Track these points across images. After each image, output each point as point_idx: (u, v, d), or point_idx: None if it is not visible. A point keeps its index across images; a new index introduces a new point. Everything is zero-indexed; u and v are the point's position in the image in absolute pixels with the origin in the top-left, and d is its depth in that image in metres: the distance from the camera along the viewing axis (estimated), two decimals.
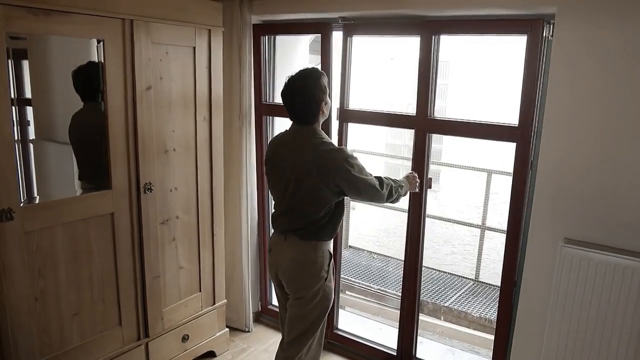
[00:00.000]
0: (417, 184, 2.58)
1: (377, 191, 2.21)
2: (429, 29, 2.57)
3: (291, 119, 2.24)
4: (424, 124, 2.69)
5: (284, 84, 2.19)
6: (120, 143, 2.44)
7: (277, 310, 2.55)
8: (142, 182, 2.55)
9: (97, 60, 2.37)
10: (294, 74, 2.19)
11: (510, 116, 2.56)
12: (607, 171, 2.21)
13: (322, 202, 2.17)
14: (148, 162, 2.57)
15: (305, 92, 2.14)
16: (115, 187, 2.46)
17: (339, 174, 2.12)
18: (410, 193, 2.59)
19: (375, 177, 2.23)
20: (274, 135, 2.39)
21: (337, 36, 2.94)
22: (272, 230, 2.39)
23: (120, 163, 2.46)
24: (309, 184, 2.13)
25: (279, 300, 2.47)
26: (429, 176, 2.74)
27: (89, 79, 2.40)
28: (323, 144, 2.17)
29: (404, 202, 2.91)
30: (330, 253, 2.30)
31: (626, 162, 2.16)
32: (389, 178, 2.33)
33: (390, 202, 2.36)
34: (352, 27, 2.85)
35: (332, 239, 2.31)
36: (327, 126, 2.90)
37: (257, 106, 3.29)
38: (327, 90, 2.22)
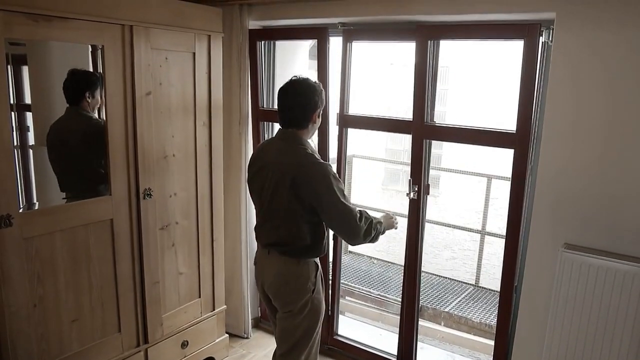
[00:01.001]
0: (396, 223, 2.35)
1: (355, 222, 2.03)
2: (426, 34, 2.57)
3: (280, 122, 2.14)
4: (421, 130, 2.68)
5: (285, 83, 2.13)
6: (119, 149, 2.44)
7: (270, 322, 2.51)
8: (141, 188, 2.55)
9: (85, 69, 2.40)
10: (298, 76, 2.14)
11: (510, 120, 2.56)
12: (607, 176, 2.21)
13: (293, 218, 2.06)
14: (147, 167, 2.57)
15: (305, 93, 2.08)
16: (115, 193, 2.45)
17: (315, 190, 2.00)
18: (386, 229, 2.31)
19: (359, 211, 2.08)
20: (263, 141, 2.29)
21: (336, 42, 2.95)
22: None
23: (120, 169, 2.46)
24: (282, 195, 2.04)
25: (268, 313, 2.40)
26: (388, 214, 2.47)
27: (76, 84, 2.38)
28: (307, 155, 2.06)
29: (404, 207, 2.92)
30: (316, 264, 2.20)
31: (626, 168, 2.16)
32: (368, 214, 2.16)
33: (367, 242, 2.15)
34: (352, 33, 2.85)
35: (319, 256, 2.20)
36: (325, 131, 2.91)
37: (253, 111, 3.29)
38: (322, 106, 2.15)
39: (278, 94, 2.13)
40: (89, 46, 2.36)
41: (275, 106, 3.31)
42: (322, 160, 2.07)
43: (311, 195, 2.01)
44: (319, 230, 2.14)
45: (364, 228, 2.07)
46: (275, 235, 2.14)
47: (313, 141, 2.23)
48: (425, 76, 2.61)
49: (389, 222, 2.29)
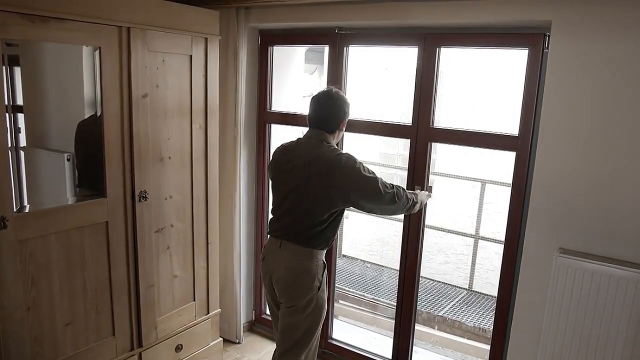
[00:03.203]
0: (428, 194, 2.57)
1: (392, 194, 2.20)
2: (431, 41, 2.61)
3: (311, 123, 2.28)
4: (425, 133, 2.71)
5: (320, 91, 2.30)
6: (115, 151, 2.43)
7: (271, 319, 2.53)
8: (137, 190, 2.54)
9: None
10: (333, 87, 2.32)
11: (502, 124, 2.57)
12: (602, 182, 2.22)
13: (327, 207, 2.17)
14: (143, 170, 2.56)
15: (339, 101, 2.27)
16: (110, 195, 2.44)
17: (350, 178, 2.13)
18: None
19: (391, 184, 2.26)
20: (283, 143, 2.39)
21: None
22: (267, 238, 2.38)
23: (116, 171, 2.45)
24: (314, 186, 2.15)
25: (271, 309, 2.44)
26: (429, 184, 2.76)
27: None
28: (334, 149, 2.21)
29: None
30: (324, 263, 2.28)
31: (620, 173, 2.18)
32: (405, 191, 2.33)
33: (407, 211, 2.34)
34: (349, 37, 2.86)
35: (327, 249, 2.29)
36: None
37: (260, 114, 3.31)
38: (347, 121, 2.32)
39: (313, 99, 2.30)
40: (83, 47, 2.34)
41: (274, 108, 3.35)
42: (349, 153, 2.22)
43: (347, 184, 2.13)
44: (337, 224, 2.26)
45: (404, 197, 2.26)
46: (296, 226, 2.21)
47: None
48: (431, 81, 2.66)
49: (421, 195, 2.46)
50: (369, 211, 2.30)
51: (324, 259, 2.28)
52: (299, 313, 2.23)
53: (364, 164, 2.19)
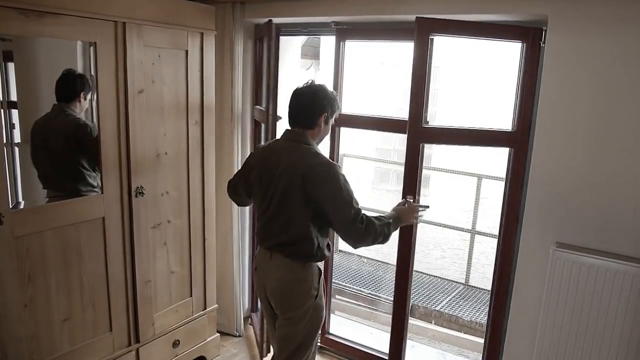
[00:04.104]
0: (416, 215, 2.28)
1: (360, 230, 1.98)
2: (426, 29, 2.53)
3: (289, 120, 2.13)
4: (417, 132, 2.64)
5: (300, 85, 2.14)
6: (111, 147, 2.42)
7: (267, 327, 2.46)
8: (133, 186, 2.53)
9: (77, 70, 2.39)
10: (313, 80, 2.15)
11: (498, 120, 2.57)
12: (598, 176, 2.23)
13: (302, 218, 2.03)
14: (139, 165, 2.55)
15: (313, 94, 2.09)
16: (107, 191, 2.43)
17: (324, 190, 1.98)
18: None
19: (364, 216, 2.03)
20: (259, 145, 2.23)
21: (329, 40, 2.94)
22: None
23: (112, 167, 2.44)
24: (292, 195, 2.01)
25: (267, 319, 2.35)
26: (408, 198, 2.48)
27: (73, 82, 2.37)
28: (315, 154, 2.05)
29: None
30: (319, 269, 2.15)
31: (616, 168, 2.19)
32: (376, 218, 2.11)
33: (377, 243, 2.09)
34: (345, 32, 2.85)
35: (322, 261, 2.16)
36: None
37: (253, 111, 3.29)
38: (333, 113, 2.13)
39: (292, 94, 2.13)
40: (77, 43, 2.33)
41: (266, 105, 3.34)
42: (331, 161, 2.06)
43: (320, 195, 1.98)
44: (325, 233, 2.12)
45: (371, 232, 2.02)
46: (281, 237, 2.08)
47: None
48: (424, 75, 2.58)
49: (404, 215, 2.20)
50: (335, 231, 2.08)
51: (319, 265, 2.16)
52: (296, 324, 2.14)
53: (346, 182, 2.01)
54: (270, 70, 2.86)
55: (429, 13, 2.51)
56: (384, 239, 2.09)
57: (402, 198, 2.52)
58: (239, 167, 3.23)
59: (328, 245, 2.18)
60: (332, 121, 2.17)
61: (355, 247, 2.10)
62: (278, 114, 2.89)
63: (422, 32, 2.48)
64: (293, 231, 2.05)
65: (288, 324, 2.15)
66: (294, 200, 2.01)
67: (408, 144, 2.60)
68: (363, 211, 2.03)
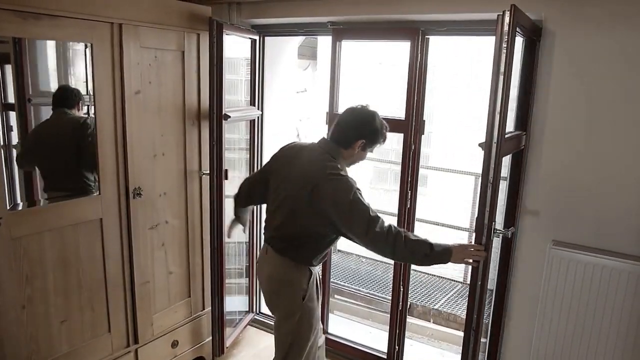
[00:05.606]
0: (469, 254, 2.01)
1: (382, 235, 1.92)
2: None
3: (328, 131, 2.15)
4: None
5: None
6: (109, 148, 2.42)
7: (267, 314, 2.49)
8: (131, 187, 2.53)
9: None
10: (367, 105, 2.12)
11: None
12: (594, 175, 2.25)
13: (312, 225, 2.04)
14: (137, 166, 2.55)
15: (361, 120, 2.08)
16: (104, 192, 2.44)
17: (329, 202, 1.94)
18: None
19: (389, 224, 1.97)
20: (293, 142, 2.26)
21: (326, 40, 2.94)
22: (263, 234, 2.33)
23: (109, 168, 2.44)
24: (299, 199, 2.01)
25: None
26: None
27: (72, 93, 2.39)
28: (334, 167, 2.01)
29: (393, 204, 2.92)
30: (310, 270, 2.13)
31: (612, 166, 2.20)
32: (416, 236, 1.98)
33: (409, 261, 2.10)
34: (341, 32, 2.86)
35: (313, 266, 2.14)
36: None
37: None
38: (373, 143, 2.11)
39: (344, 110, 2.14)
40: (69, 44, 2.33)
41: (267, 105, 3.35)
42: (346, 177, 2.01)
43: (327, 208, 1.96)
44: (323, 242, 2.11)
45: (394, 242, 1.94)
46: (280, 230, 2.11)
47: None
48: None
49: (458, 253, 1.99)
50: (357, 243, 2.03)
51: (311, 267, 2.15)
52: (282, 323, 2.17)
53: (358, 198, 1.95)
54: (212, 68, 2.72)
55: (425, 12, 2.52)
56: (419, 258, 1.99)
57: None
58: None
59: (325, 255, 2.17)
60: (370, 151, 2.15)
61: (383, 254, 2.04)
62: (224, 112, 2.78)
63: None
64: (295, 234, 2.08)
65: (277, 323, 2.20)
66: (301, 204, 2.01)
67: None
68: (387, 222, 1.97)
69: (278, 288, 2.15)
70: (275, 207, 2.15)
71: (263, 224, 2.28)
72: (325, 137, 2.15)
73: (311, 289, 2.15)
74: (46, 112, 2.35)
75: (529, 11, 2.26)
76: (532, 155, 2.37)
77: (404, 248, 1.94)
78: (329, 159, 2.05)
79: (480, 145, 1.92)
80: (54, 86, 2.39)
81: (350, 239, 2.01)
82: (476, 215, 1.98)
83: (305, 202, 1.99)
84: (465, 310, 4.49)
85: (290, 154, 2.18)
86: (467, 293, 1.99)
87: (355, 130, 2.07)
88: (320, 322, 2.29)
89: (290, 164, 2.13)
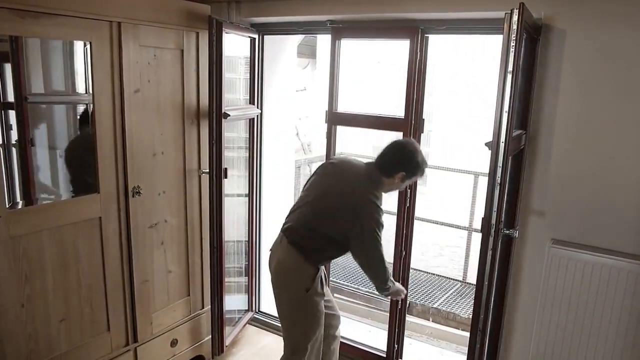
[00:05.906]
0: (401, 297, 2.57)
1: (382, 264, 2.24)
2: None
3: (376, 157, 2.31)
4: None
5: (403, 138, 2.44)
6: (108, 146, 2.42)
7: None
8: (130, 186, 2.53)
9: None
10: (414, 141, 2.43)
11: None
12: (594, 174, 2.25)
13: (328, 231, 2.23)
14: (136, 165, 2.55)
15: (405, 155, 2.26)
16: (103, 191, 2.43)
17: (359, 223, 2.16)
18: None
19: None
20: (346, 157, 2.55)
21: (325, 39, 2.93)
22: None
23: (108, 166, 2.44)
24: (334, 210, 2.22)
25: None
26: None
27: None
28: (373, 194, 2.21)
29: (392, 204, 2.93)
30: (317, 268, 2.29)
31: (612, 166, 2.20)
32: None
33: (379, 289, 2.37)
34: (341, 31, 2.85)
35: (318, 266, 2.31)
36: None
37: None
38: (411, 176, 2.29)
39: (391, 142, 2.33)
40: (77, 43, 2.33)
41: (266, 103, 3.34)
42: (378, 203, 2.23)
43: (354, 224, 2.17)
44: (332, 248, 2.29)
45: (385, 275, 2.29)
46: (302, 226, 2.27)
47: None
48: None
49: (396, 291, 2.45)
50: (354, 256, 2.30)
51: (318, 265, 2.30)
52: (283, 306, 2.32)
53: (382, 230, 2.20)
54: (212, 67, 2.72)
55: (425, 11, 2.52)
56: (382, 283, 2.33)
57: None
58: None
59: (328, 259, 2.44)
60: (407, 182, 2.34)
61: (367, 272, 2.33)
62: (224, 111, 2.78)
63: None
64: (314, 229, 2.25)
65: (279, 303, 2.32)
66: (334, 212, 2.22)
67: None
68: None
69: (286, 272, 2.28)
70: (305, 202, 2.31)
71: (282, 218, 2.40)
72: (372, 163, 2.32)
73: (317, 285, 2.27)
74: (45, 112, 2.36)
75: (529, 9, 2.26)
76: (532, 154, 2.37)
77: (383, 271, 2.29)
78: (372, 185, 2.24)
79: (487, 144, 1.94)
80: (54, 86, 2.39)
81: (356, 252, 2.26)
82: (475, 214, 1.98)
83: (340, 211, 2.20)
84: (465, 309, 4.51)
85: (341, 167, 2.39)
86: (467, 292, 2.00)
87: (398, 163, 2.26)
88: (333, 314, 2.51)
89: (337, 174, 2.34)
